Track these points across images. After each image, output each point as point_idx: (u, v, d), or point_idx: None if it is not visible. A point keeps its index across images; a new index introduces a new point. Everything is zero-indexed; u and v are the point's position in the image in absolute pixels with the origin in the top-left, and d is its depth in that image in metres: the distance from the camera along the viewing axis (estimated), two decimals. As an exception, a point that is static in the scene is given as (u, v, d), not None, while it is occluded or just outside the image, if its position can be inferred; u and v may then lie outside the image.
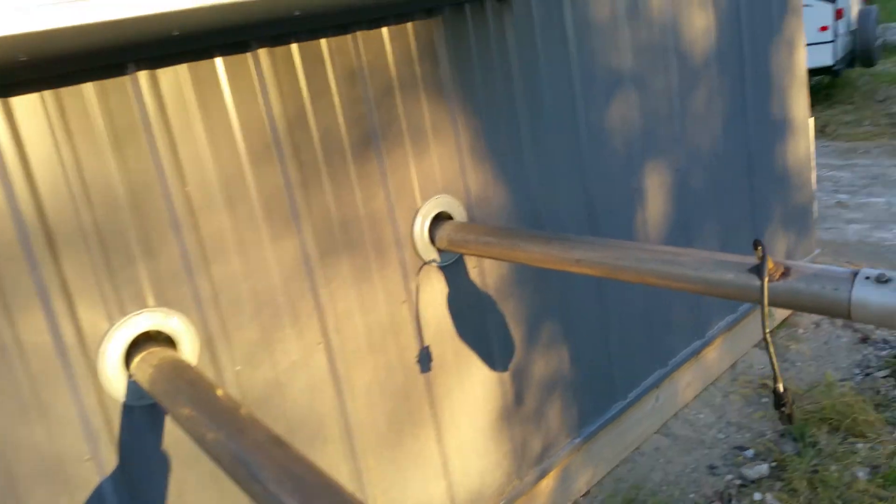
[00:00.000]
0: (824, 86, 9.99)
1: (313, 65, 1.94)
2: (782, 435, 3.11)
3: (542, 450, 2.70)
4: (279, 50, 1.87)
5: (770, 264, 1.40)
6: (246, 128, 1.82)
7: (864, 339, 3.74)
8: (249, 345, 1.88)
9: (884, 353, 3.60)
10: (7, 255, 1.50)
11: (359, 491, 2.16)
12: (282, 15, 1.74)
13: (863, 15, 9.64)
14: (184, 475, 1.79)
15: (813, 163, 4.01)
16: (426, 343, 2.27)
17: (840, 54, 8.94)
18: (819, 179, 6.98)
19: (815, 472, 2.78)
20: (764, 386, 3.48)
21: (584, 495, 2.92)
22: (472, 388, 2.43)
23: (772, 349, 1.36)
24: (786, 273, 1.41)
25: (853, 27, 9.50)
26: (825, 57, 8.72)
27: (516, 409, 2.58)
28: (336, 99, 1.98)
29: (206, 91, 1.75)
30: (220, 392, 1.49)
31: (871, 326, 3.81)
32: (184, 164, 1.70)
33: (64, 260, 1.56)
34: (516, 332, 2.55)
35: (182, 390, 1.52)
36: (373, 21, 2.03)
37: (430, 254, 2.23)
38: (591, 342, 2.84)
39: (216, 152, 1.77)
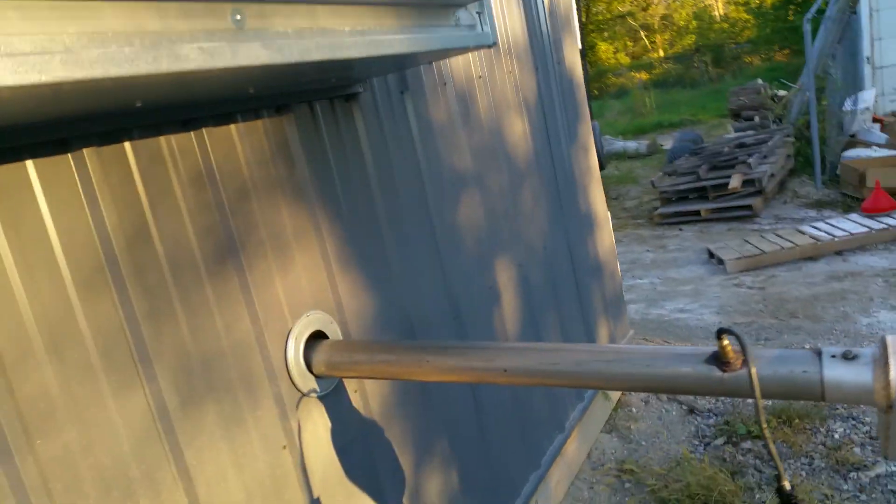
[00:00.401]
0: (570, 189, 11.45)
1: (152, 166, 1.58)
2: (657, 519, 3.11)
3: None
4: (109, 150, 1.49)
5: (731, 352, 1.34)
6: (70, 248, 1.38)
7: (692, 411, 4.01)
8: (92, 546, 1.34)
9: (711, 421, 3.86)
10: None
11: None
12: (119, 106, 1.40)
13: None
14: None
15: (615, 251, 4.38)
16: (315, 495, 1.85)
17: None
18: (592, 268, 7.76)
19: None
20: (622, 471, 3.50)
21: None
22: (367, 537, 2.04)
23: (772, 446, 1.26)
24: (747, 360, 1.36)
25: None
26: None
27: (414, 552, 2.22)
28: (182, 205, 1.63)
29: (15, 204, 1.30)
30: None
31: (692, 398, 4.10)
32: (-9, 302, 1.22)
33: None
34: (404, 460, 2.23)
35: None
36: (221, 117, 1.74)
37: (308, 383, 1.87)
38: (473, 455, 2.61)
39: (32, 284, 1.30)
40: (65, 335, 1.34)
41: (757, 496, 3.05)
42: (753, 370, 1.27)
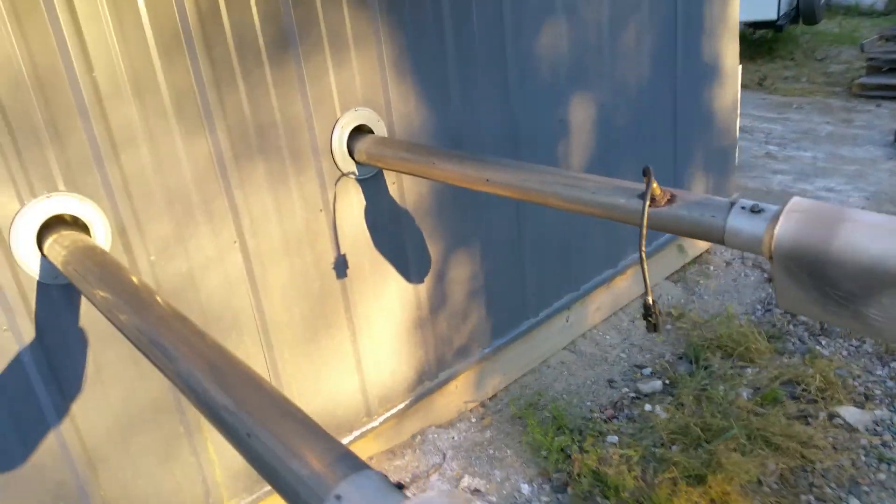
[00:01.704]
0: (768, 40, 10.15)
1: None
2: (680, 357, 3.36)
3: (453, 356, 2.87)
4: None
5: (657, 191, 1.51)
6: (154, 15, 1.82)
7: (770, 280, 4.01)
8: (163, 237, 1.94)
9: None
10: None
11: (273, 379, 2.28)
12: None
13: None
14: (103, 352, 1.87)
15: (738, 110, 4.18)
16: (343, 252, 2.36)
17: (784, 9, 9.09)
18: (752, 130, 7.22)
19: (704, 389, 3.03)
20: (669, 314, 3.72)
21: (490, 398, 3.13)
22: (388, 296, 2.55)
23: (645, 265, 1.49)
24: (671, 200, 1.53)
25: None
26: (769, 11, 8.87)
27: (430, 319, 2.73)
28: (253, -6, 1.99)
29: (115, -22, 1.74)
30: (134, 279, 1.53)
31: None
32: (90, 49, 1.71)
33: (-34, 137, 1.58)
34: (433, 249, 2.66)
35: (96, 273, 1.55)
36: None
37: (348, 166, 2.30)
38: (506, 263, 2.98)
39: (123, 38, 1.77)
40: (147, 84, 1.83)
41: (780, 360, 3.18)
42: (647, 204, 1.47)
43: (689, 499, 2.36)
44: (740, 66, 4.07)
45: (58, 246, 1.67)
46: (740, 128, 7.23)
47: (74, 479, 1.88)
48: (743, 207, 1.41)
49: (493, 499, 2.57)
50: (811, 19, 9.95)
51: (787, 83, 8.73)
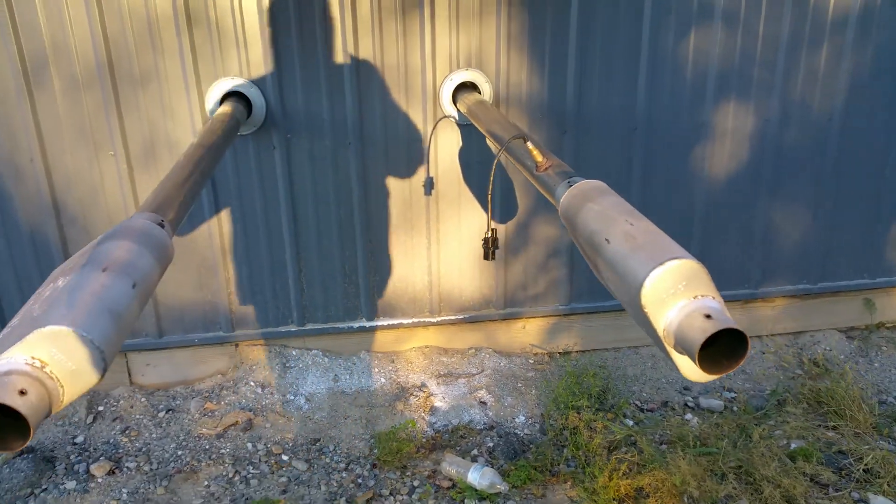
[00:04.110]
0: None
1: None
2: (777, 400, 3.16)
3: (524, 299, 3.30)
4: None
5: (539, 157, 1.86)
6: (328, -19, 2.70)
7: None
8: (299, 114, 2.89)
9: None
10: None
11: (363, 242, 3.10)
12: None
13: None
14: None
15: None
16: (432, 175, 3.02)
17: None
18: None
19: (757, 426, 2.89)
20: (815, 363, 3.41)
21: (561, 353, 3.45)
22: (468, 225, 3.13)
23: (489, 206, 1.89)
24: (548, 168, 1.87)
25: None
26: None
27: (504, 258, 3.21)
28: (401, -26, 2.72)
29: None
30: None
31: None
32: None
33: None
34: (522, 202, 3.12)
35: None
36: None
37: (450, 110, 2.92)
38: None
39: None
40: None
41: (870, 439, 2.78)
42: (501, 150, 1.85)
43: (619, 478, 2.49)
44: None
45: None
46: None
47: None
48: (569, 182, 1.70)
49: (490, 413, 3.03)
50: None
51: None
